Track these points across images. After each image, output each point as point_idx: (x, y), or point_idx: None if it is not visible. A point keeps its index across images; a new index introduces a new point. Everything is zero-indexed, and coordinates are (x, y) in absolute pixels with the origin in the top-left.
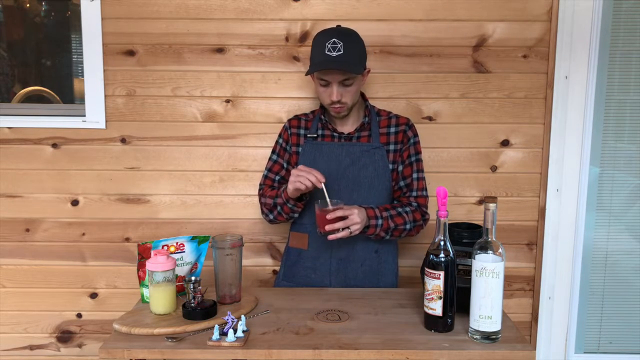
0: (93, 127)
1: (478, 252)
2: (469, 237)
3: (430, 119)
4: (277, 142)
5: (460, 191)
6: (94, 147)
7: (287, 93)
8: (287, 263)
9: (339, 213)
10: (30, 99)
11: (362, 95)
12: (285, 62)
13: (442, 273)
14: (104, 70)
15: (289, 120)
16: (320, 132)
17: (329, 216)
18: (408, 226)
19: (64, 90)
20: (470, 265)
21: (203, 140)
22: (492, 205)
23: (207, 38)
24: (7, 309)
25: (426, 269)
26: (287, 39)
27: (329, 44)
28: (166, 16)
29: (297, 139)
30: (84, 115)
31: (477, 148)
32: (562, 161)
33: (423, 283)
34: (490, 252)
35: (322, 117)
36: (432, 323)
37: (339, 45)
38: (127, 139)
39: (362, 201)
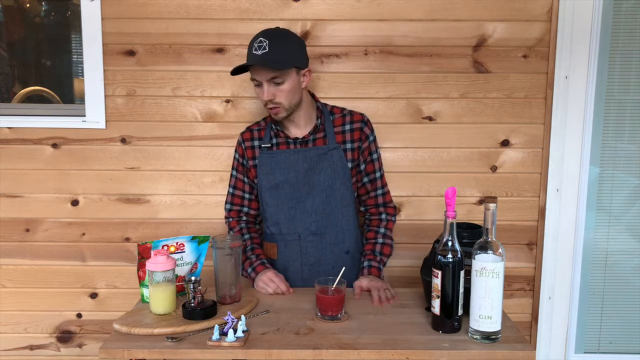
0: (93, 127)
1: (478, 252)
2: (469, 237)
3: (430, 119)
4: (234, 157)
5: (460, 191)
6: (94, 147)
7: None
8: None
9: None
10: (30, 99)
11: (313, 96)
12: None
13: (440, 272)
14: (104, 70)
15: (242, 134)
16: (274, 140)
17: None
18: (392, 243)
19: (64, 90)
20: (470, 265)
21: (203, 140)
22: (492, 205)
23: (207, 38)
24: (7, 309)
25: (433, 268)
26: None
27: (256, 43)
28: (166, 16)
29: (253, 152)
30: (84, 115)
31: (477, 148)
32: (562, 161)
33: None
34: (490, 252)
35: (274, 125)
36: (434, 322)
37: (265, 44)
38: (127, 139)
39: (324, 206)
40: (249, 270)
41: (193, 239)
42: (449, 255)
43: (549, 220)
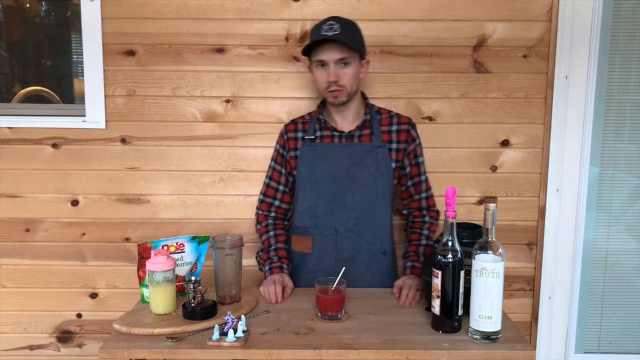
0: (93, 127)
1: (478, 252)
2: (469, 237)
3: (430, 119)
4: (275, 148)
5: (460, 191)
6: (94, 147)
7: (287, 93)
8: (291, 267)
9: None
10: (30, 99)
11: (363, 94)
12: (285, 62)
13: (440, 272)
14: (104, 70)
15: (286, 125)
16: (318, 133)
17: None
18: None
19: (64, 90)
20: (470, 265)
21: (203, 140)
22: (492, 205)
23: (207, 38)
24: (7, 309)
25: (433, 268)
26: (287, 39)
27: (325, 25)
28: (166, 16)
29: (295, 143)
30: (84, 115)
31: (477, 148)
32: (562, 161)
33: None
34: (490, 252)
35: (321, 116)
36: (434, 322)
37: (335, 26)
38: (127, 139)
39: (364, 203)
40: (267, 268)
41: (193, 239)
42: (449, 255)
43: (549, 220)
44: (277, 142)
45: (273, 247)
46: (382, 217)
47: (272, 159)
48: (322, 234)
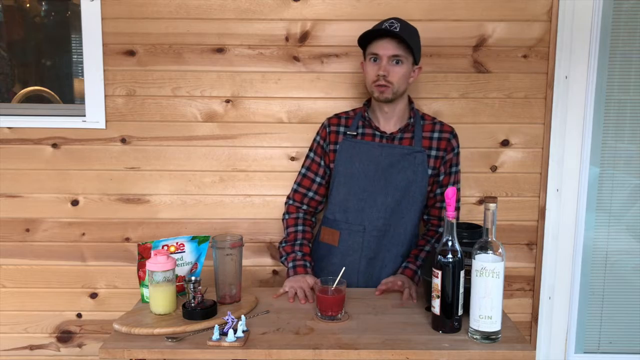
0: (93, 127)
1: (478, 252)
2: (469, 237)
3: None
4: (314, 140)
5: (461, 191)
6: (94, 147)
7: (287, 93)
8: (316, 257)
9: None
10: (30, 99)
11: (409, 98)
12: (285, 62)
13: (440, 272)
14: (104, 70)
15: (329, 119)
16: (360, 130)
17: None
18: None
19: (64, 90)
20: (471, 265)
21: (203, 140)
22: (492, 205)
23: (207, 38)
24: (7, 309)
25: (433, 268)
26: (287, 39)
27: (386, 22)
28: (166, 16)
29: (336, 137)
30: (84, 115)
31: (477, 148)
32: (562, 161)
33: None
34: (490, 252)
35: (365, 114)
36: (434, 322)
37: (396, 25)
38: (127, 139)
39: (395, 205)
40: (290, 265)
41: (193, 239)
42: (449, 255)
43: (549, 220)
44: (318, 134)
45: (299, 242)
46: (410, 221)
47: (310, 150)
48: (350, 229)
